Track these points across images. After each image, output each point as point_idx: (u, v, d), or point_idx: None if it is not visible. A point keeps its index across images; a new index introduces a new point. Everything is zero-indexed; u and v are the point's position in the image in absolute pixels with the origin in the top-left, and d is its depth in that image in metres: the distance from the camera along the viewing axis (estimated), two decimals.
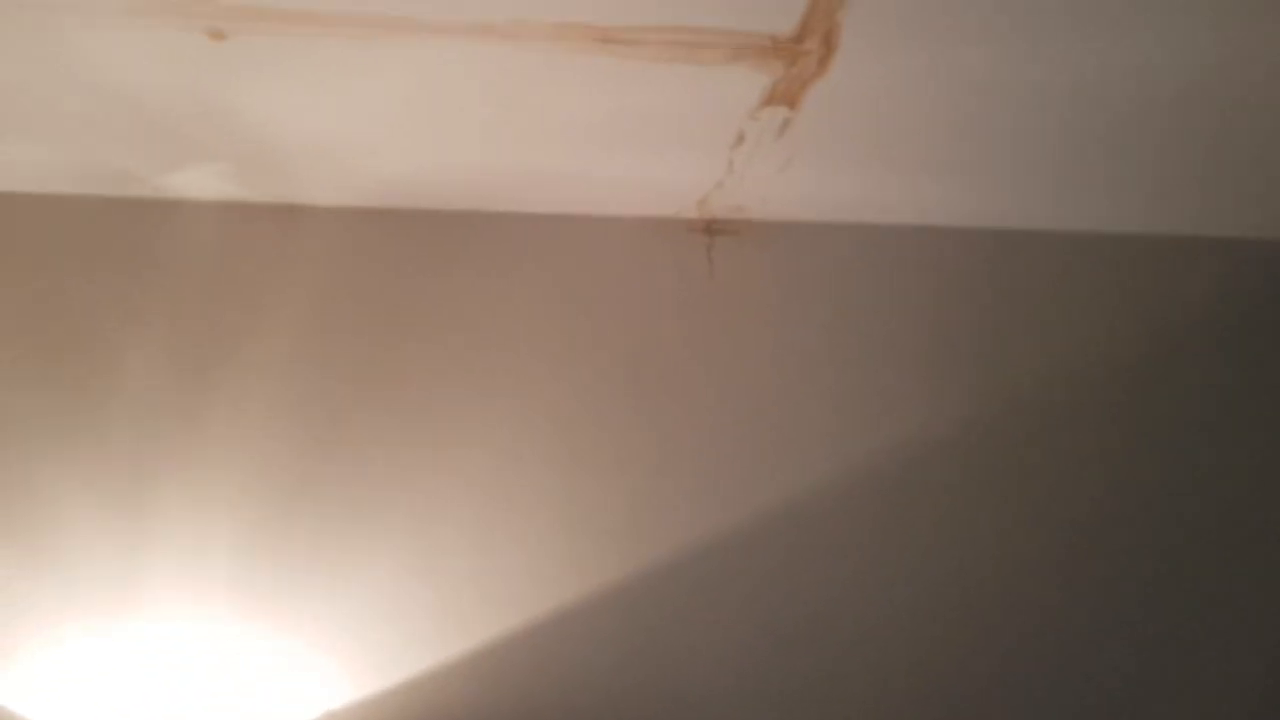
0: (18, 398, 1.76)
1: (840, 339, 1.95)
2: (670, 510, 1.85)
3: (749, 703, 1.81)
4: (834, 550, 1.86)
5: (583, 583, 1.80)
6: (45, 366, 1.77)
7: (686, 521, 1.85)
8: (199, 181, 1.80)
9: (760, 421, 1.90)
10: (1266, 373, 2.01)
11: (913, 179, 1.84)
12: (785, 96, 1.55)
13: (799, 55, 1.45)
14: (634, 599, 1.81)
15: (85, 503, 1.74)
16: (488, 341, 1.87)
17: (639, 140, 1.69)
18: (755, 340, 1.93)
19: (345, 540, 1.77)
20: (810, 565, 1.85)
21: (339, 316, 1.85)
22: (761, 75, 1.50)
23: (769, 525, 1.86)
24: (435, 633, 1.76)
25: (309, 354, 1.82)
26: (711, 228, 1.97)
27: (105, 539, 1.74)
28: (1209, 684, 1.88)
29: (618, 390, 1.88)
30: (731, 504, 1.87)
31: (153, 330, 1.80)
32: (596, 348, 1.89)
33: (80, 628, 1.70)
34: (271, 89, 1.52)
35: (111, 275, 1.82)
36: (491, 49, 1.43)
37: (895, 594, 1.86)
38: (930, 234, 2.01)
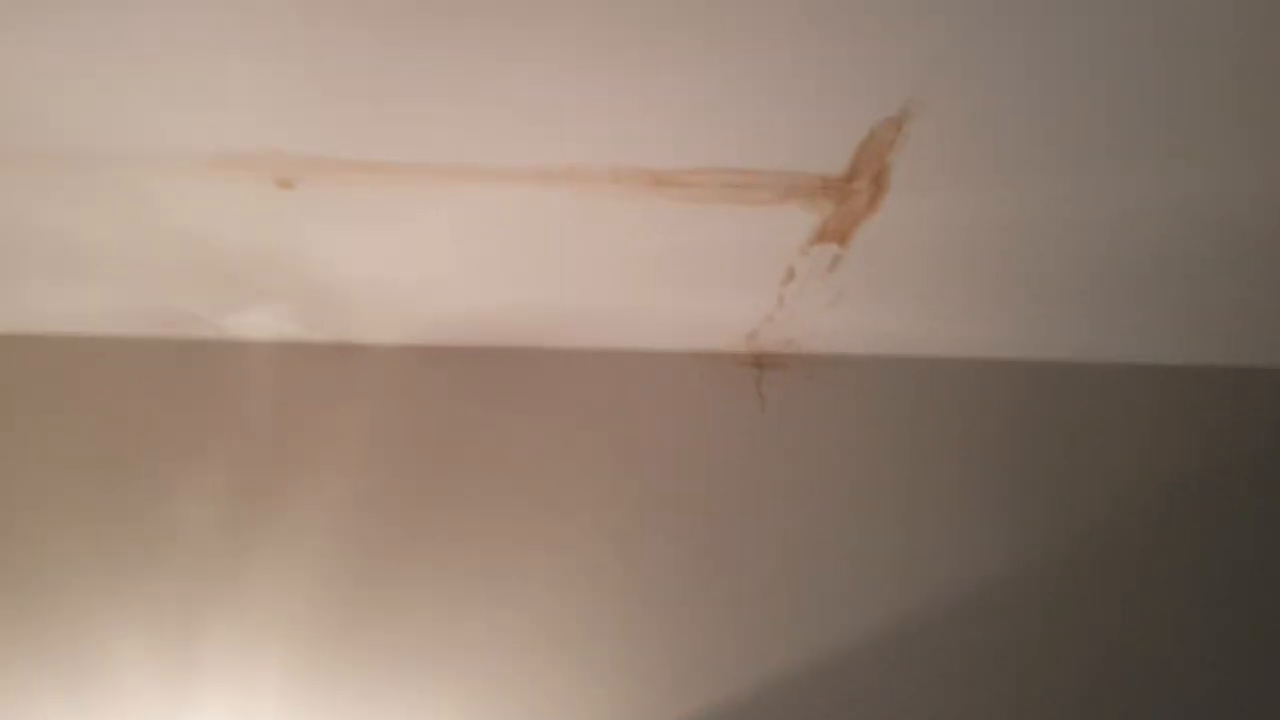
0: (73, 533, 1.76)
1: (894, 475, 1.93)
2: (723, 651, 1.80)
3: None
4: (892, 697, 1.81)
5: None
6: (101, 502, 1.78)
7: (738, 663, 1.80)
8: (259, 322, 1.84)
9: (814, 560, 1.87)
10: None
11: (963, 313, 1.85)
12: (836, 234, 1.58)
13: (849, 194, 1.48)
14: None
15: (134, 641, 1.72)
16: (541, 477, 1.87)
17: (691, 277, 1.72)
18: (808, 475, 1.92)
19: (396, 680, 1.74)
20: (868, 712, 1.79)
21: (394, 453, 1.86)
22: (812, 214, 1.53)
23: (823, 669, 1.81)
24: None
25: (363, 491, 1.83)
26: (761, 361, 1.98)
27: (153, 677, 1.71)
28: None
29: (670, 526, 1.86)
30: (784, 645, 1.82)
31: (209, 468, 1.81)
32: (649, 482, 1.88)
33: None
34: (334, 232, 1.57)
35: (171, 414, 1.84)
36: (549, 192, 1.47)
37: None
38: (982, 367, 2.00)
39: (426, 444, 1.87)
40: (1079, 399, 2.01)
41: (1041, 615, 1.87)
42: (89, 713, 1.69)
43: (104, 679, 1.71)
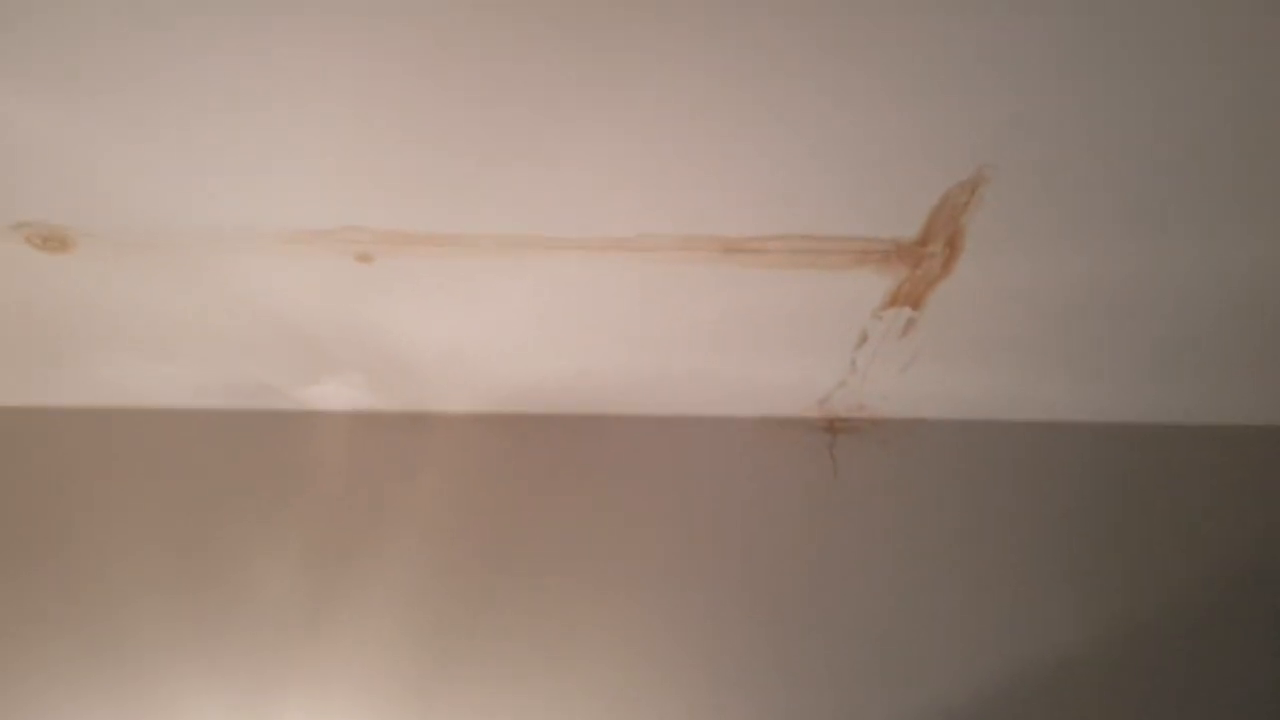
0: (155, 599, 1.79)
1: (970, 542, 1.89)
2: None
3: None
4: None
5: None
6: (182, 570, 1.81)
7: None
8: (334, 393, 1.87)
9: (887, 629, 1.83)
10: None
11: (1038, 375, 1.82)
12: (909, 297, 1.57)
13: (923, 258, 1.47)
14: None
15: (213, 704, 1.74)
16: (612, 545, 1.86)
17: (761, 342, 1.71)
18: (881, 542, 1.89)
19: None
20: None
21: (466, 520, 1.86)
22: (885, 278, 1.52)
23: None
24: None
25: (436, 558, 1.83)
26: (833, 426, 1.96)
27: None
28: None
29: (742, 593, 1.84)
30: (854, 714, 1.77)
31: (286, 536, 1.83)
32: (721, 549, 1.87)
33: None
34: (408, 303, 1.59)
35: (249, 484, 1.87)
36: (619, 261, 1.48)
37: None
38: (1059, 431, 1.96)
39: (498, 511, 1.88)
40: (1158, 462, 1.96)
41: (1119, 689, 1.80)
42: None
43: None
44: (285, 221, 1.40)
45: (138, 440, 1.90)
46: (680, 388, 1.86)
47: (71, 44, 1.11)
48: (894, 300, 1.58)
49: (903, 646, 1.82)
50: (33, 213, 1.40)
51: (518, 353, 1.74)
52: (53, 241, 1.44)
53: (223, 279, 1.51)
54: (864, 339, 1.69)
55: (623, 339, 1.70)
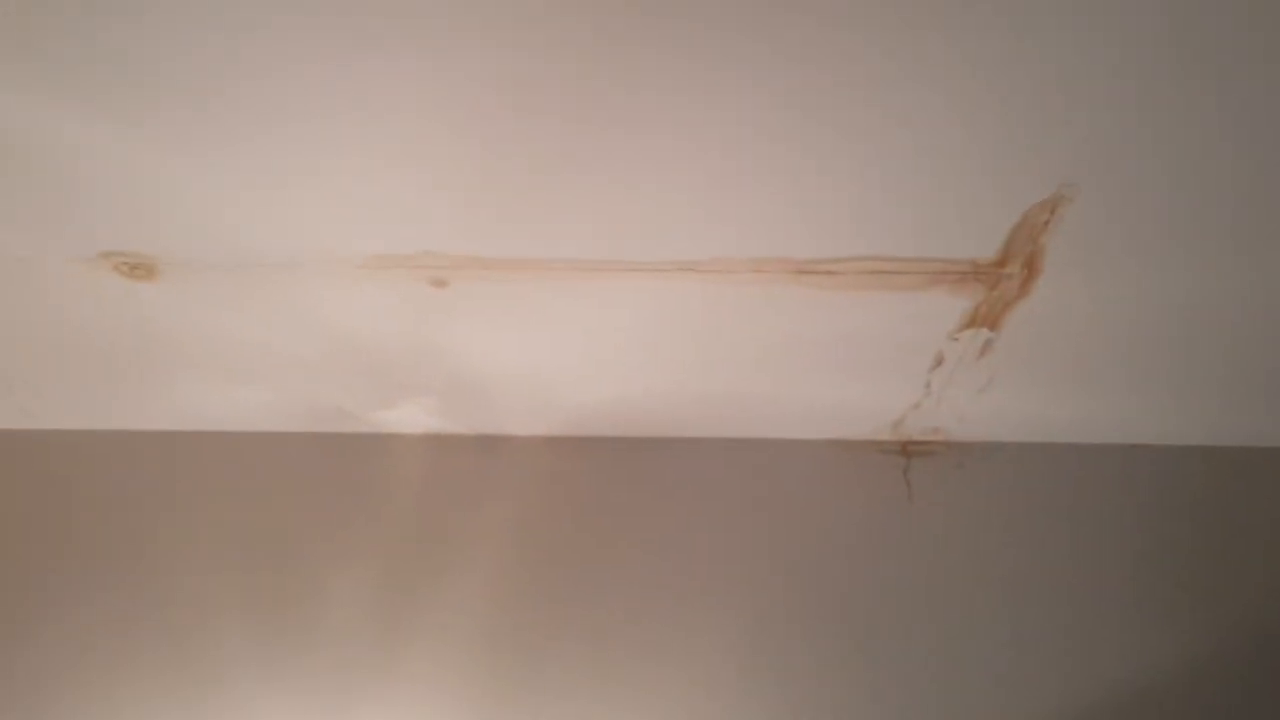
0: (229, 623, 1.81)
1: (1049, 568, 1.84)
2: None
3: None
4: None
5: None
6: (256, 593, 1.83)
7: None
8: (407, 416, 1.89)
9: (965, 658, 1.78)
10: None
11: (1118, 396, 1.78)
12: (986, 319, 1.54)
13: (1001, 279, 1.45)
14: None
15: None
16: (683, 569, 1.84)
17: (834, 364, 1.70)
18: (959, 568, 1.85)
19: None
20: None
21: (538, 544, 1.87)
22: (962, 299, 1.50)
23: None
24: None
25: (508, 582, 1.83)
26: (908, 449, 1.93)
27: None
28: None
29: (815, 620, 1.81)
30: None
31: (359, 559, 1.85)
32: (793, 575, 1.84)
33: None
34: (481, 327, 1.61)
35: (322, 507, 1.90)
36: (691, 284, 1.48)
37: None
38: (1140, 453, 1.91)
39: (570, 535, 1.88)
40: (1238, 485, 1.90)
41: (1203, 718, 1.74)
42: None
43: None
44: (363, 247, 1.42)
45: (216, 463, 1.94)
46: (751, 410, 1.85)
47: (153, 72, 1.14)
48: (971, 321, 1.55)
49: (981, 675, 1.77)
50: (120, 242, 1.44)
51: (588, 376, 1.74)
52: (140, 270, 1.48)
53: (301, 304, 1.54)
54: (939, 361, 1.67)
55: (693, 361, 1.69)
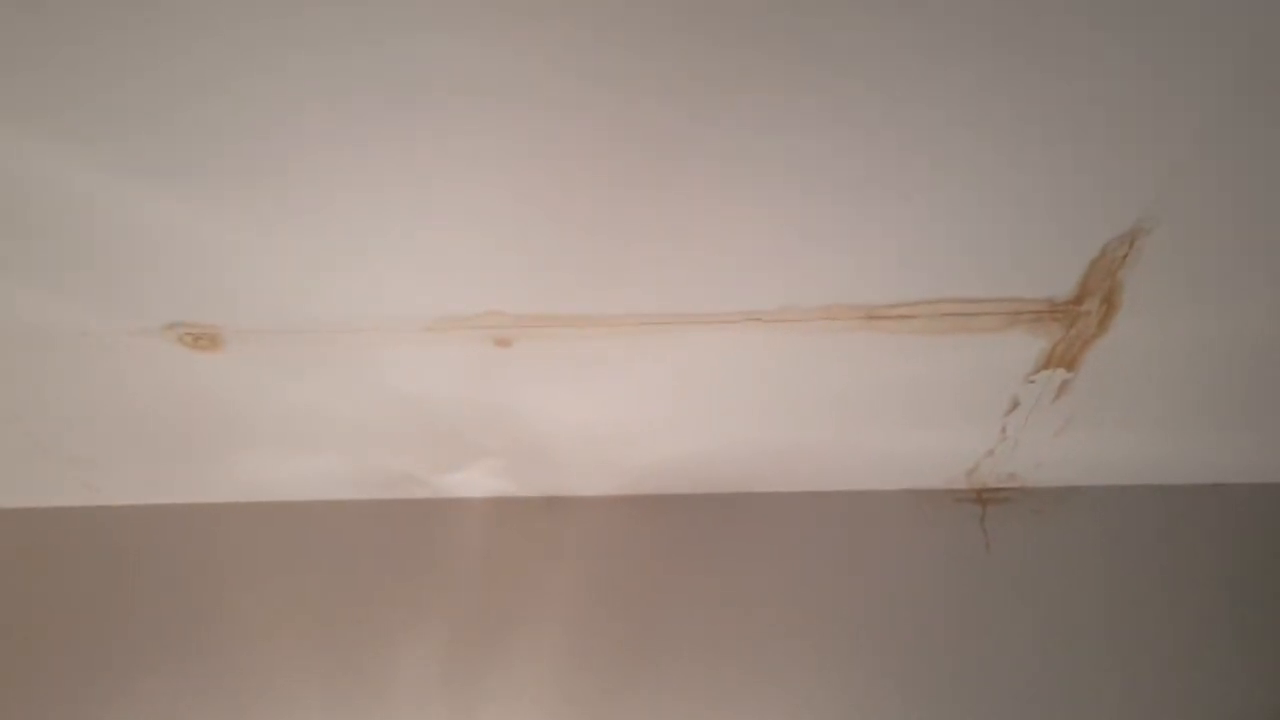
0: (301, 688, 1.80)
1: (1137, 616, 1.78)
2: None
3: None
4: None
5: None
6: (327, 659, 1.82)
7: None
8: (472, 480, 1.87)
9: (1050, 711, 1.72)
10: None
11: (1200, 435, 1.72)
12: (1064, 359, 1.50)
13: (1078, 317, 1.41)
14: None
15: None
16: (756, 626, 1.80)
17: (905, 411, 1.66)
18: (1042, 618, 1.78)
19: None
20: None
21: (607, 604, 1.84)
22: (1038, 339, 1.46)
23: None
24: None
25: (576, 643, 1.81)
26: (983, 497, 1.88)
27: None
28: None
29: (894, 677, 1.76)
30: None
31: (428, 623, 1.83)
32: (869, 630, 1.79)
33: None
34: (546, 386, 1.59)
35: (390, 573, 1.88)
36: (759, 334, 1.45)
37: None
38: (1224, 493, 1.85)
39: (639, 594, 1.84)
40: None
41: None
42: None
43: None
44: (428, 309, 1.41)
45: (282, 534, 1.93)
46: (821, 461, 1.81)
47: (218, 146, 1.14)
48: (1047, 362, 1.51)
49: None
50: (185, 313, 1.44)
51: (656, 432, 1.72)
52: (204, 340, 1.48)
53: (365, 369, 1.53)
54: (1015, 405, 1.62)
55: (763, 413, 1.66)
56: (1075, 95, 1.08)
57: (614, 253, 1.31)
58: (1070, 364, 1.51)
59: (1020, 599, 1.80)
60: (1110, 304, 1.39)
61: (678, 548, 1.88)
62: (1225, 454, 1.79)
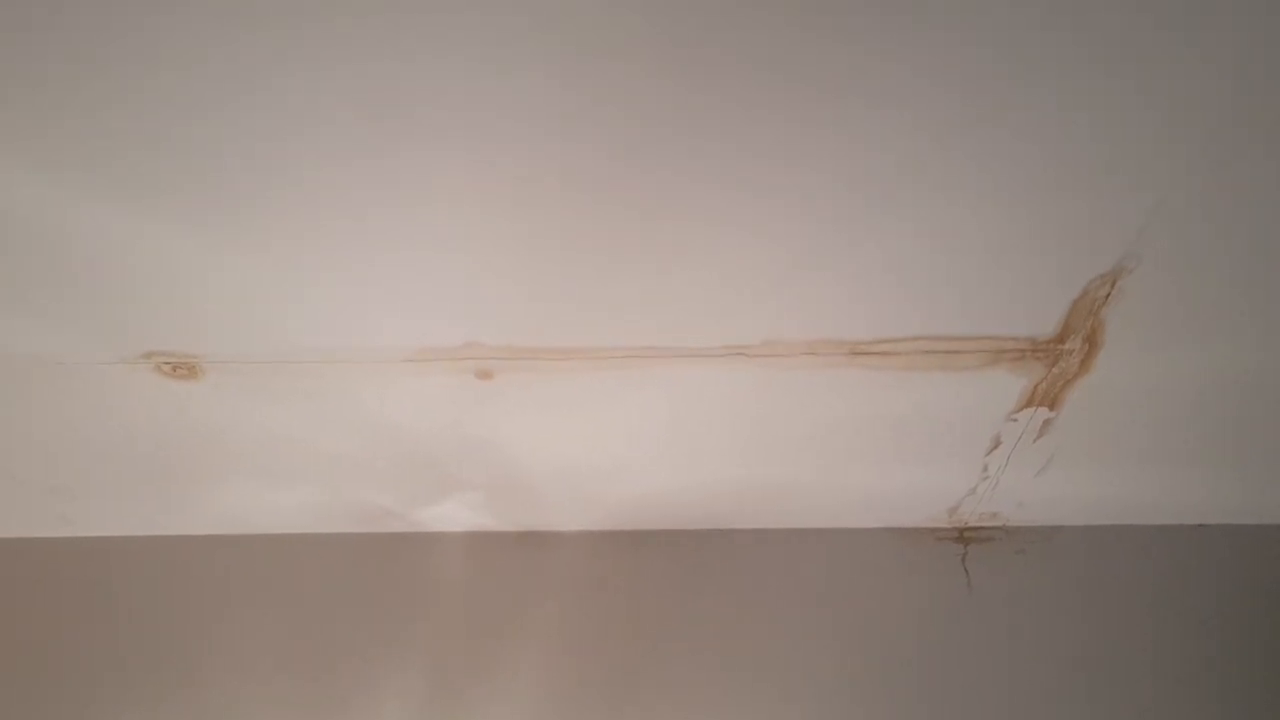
0: None
1: (1120, 657, 1.76)
2: None
3: None
4: None
5: None
6: (304, 693, 1.79)
7: None
8: (451, 514, 1.86)
9: None
10: None
11: (1182, 475, 1.73)
12: (1045, 397, 1.50)
13: (1060, 355, 1.41)
14: None
15: None
16: (735, 664, 1.78)
17: (887, 449, 1.65)
18: (1023, 659, 1.77)
19: None
20: None
21: (586, 641, 1.81)
22: (1020, 378, 1.46)
23: None
24: None
25: (556, 679, 1.78)
26: (965, 536, 1.87)
27: None
28: None
29: (873, 712, 1.74)
30: None
31: (406, 658, 1.81)
32: (848, 669, 1.77)
33: None
34: (527, 419, 1.58)
35: (368, 607, 1.85)
36: (742, 369, 1.45)
37: None
38: (1206, 534, 1.85)
39: (619, 632, 1.82)
40: None
41: None
42: None
43: None
44: (408, 340, 1.40)
45: (258, 567, 1.90)
46: (803, 499, 1.80)
47: (196, 173, 1.14)
48: (1029, 401, 1.51)
49: None
50: (162, 342, 1.43)
51: (636, 467, 1.71)
52: (182, 369, 1.46)
53: (345, 401, 1.52)
54: (997, 443, 1.62)
55: (745, 449, 1.65)
56: (1059, 135, 1.09)
57: (598, 285, 1.30)
58: (1052, 403, 1.51)
59: (1002, 639, 1.79)
60: (1092, 343, 1.39)
61: (656, 585, 1.86)
62: (1207, 494, 1.79)
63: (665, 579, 1.86)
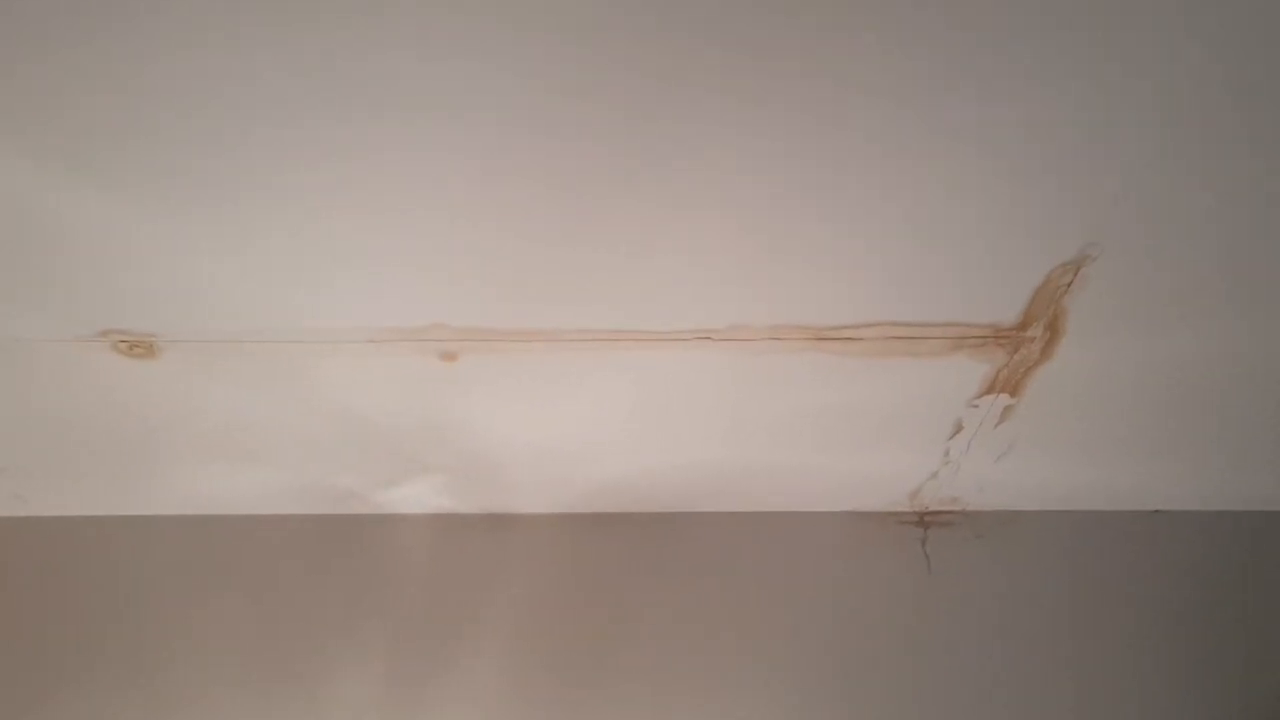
0: (238, 704, 1.76)
1: (1073, 640, 1.79)
2: None
3: None
4: None
5: None
6: (263, 675, 1.78)
7: None
8: (415, 496, 1.84)
9: None
10: None
11: (1141, 462, 1.75)
12: (1007, 384, 1.51)
13: (1022, 342, 1.42)
14: None
15: None
16: (700, 645, 1.79)
17: (850, 433, 1.66)
18: (979, 640, 1.80)
19: None
20: None
21: (550, 624, 1.81)
22: (982, 364, 1.47)
23: None
24: None
25: (520, 661, 1.78)
26: (925, 520, 1.89)
27: None
28: None
29: (833, 694, 1.76)
30: None
31: (367, 640, 1.80)
32: (811, 649, 1.79)
33: None
34: (492, 402, 1.57)
35: (329, 590, 1.84)
36: (707, 353, 1.45)
37: None
38: (1167, 520, 1.88)
39: (584, 614, 1.82)
40: (1264, 550, 1.86)
41: None
42: None
43: None
44: (371, 320, 1.39)
45: (219, 548, 1.89)
46: (767, 482, 1.81)
47: (155, 151, 1.12)
48: (991, 387, 1.52)
49: None
50: (119, 320, 1.40)
51: (601, 450, 1.70)
52: (139, 348, 1.44)
53: (306, 381, 1.51)
54: (958, 428, 1.63)
55: (710, 433, 1.66)
56: (1020, 124, 1.09)
57: (563, 267, 1.30)
58: (1014, 389, 1.53)
59: (961, 621, 1.81)
60: (1054, 330, 1.40)
61: (621, 567, 1.86)
62: (1166, 480, 1.81)
63: (630, 562, 1.86)
